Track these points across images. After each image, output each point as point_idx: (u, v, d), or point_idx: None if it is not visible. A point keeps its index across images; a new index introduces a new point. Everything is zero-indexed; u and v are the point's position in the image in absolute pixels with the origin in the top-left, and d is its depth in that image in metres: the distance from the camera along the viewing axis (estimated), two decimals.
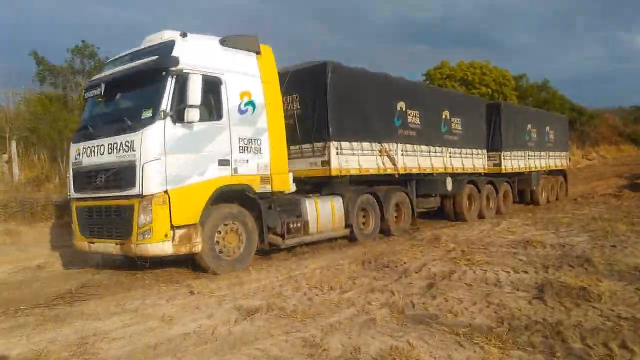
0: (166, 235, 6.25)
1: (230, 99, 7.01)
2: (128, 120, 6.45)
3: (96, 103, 7.40)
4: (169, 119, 6.32)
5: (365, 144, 9.36)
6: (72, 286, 6.49)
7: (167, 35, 6.85)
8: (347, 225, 9.05)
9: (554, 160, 17.15)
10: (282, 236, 7.85)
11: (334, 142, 8.66)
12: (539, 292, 4.98)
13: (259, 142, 7.37)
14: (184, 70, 6.45)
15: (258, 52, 7.57)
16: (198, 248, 6.55)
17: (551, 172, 17.14)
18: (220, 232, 6.91)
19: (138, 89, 6.88)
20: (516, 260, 6.69)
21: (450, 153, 11.88)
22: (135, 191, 6.23)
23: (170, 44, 6.58)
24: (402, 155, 10.25)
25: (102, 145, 6.67)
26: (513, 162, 14.37)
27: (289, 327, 4.24)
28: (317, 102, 8.72)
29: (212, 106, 6.84)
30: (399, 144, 10.18)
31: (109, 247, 6.70)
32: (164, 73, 6.42)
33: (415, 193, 10.95)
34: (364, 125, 9.41)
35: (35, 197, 10.60)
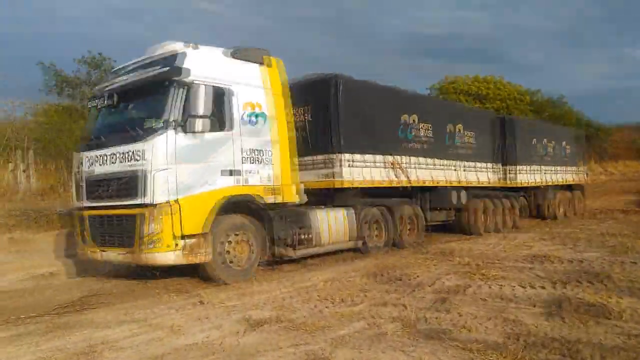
0: (176, 245, 6.23)
1: (240, 110, 7.05)
2: (138, 130, 6.48)
3: (104, 112, 7.46)
4: (179, 128, 6.35)
5: (377, 156, 9.33)
6: (82, 294, 6.52)
7: (171, 47, 6.81)
8: (358, 237, 8.97)
9: (571, 174, 16.94)
10: (293, 247, 7.79)
11: (344, 154, 8.64)
12: (557, 308, 4.82)
13: (269, 153, 7.38)
14: (195, 82, 6.50)
15: (268, 65, 7.61)
16: (208, 257, 6.53)
17: (569, 187, 16.93)
18: (230, 242, 6.89)
19: (148, 99, 6.91)
20: (533, 275, 6.53)
21: (464, 166, 11.78)
22: (145, 200, 6.24)
23: (181, 55, 6.63)
24: (415, 168, 10.19)
25: (112, 154, 6.70)
26: (529, 176, 14.23)
27: (298, 339, 4.16)
28: (328, 114, 8.73)
29: (222, 117, 6.87)
30: (411, 157, 10.14)
31: (120, 255, 6.70)
32: (175, 84, 6.46)
33: (428, 206, 10.86)
34: (374, 138, 9.38)
35: (50, 206, 10.74)
